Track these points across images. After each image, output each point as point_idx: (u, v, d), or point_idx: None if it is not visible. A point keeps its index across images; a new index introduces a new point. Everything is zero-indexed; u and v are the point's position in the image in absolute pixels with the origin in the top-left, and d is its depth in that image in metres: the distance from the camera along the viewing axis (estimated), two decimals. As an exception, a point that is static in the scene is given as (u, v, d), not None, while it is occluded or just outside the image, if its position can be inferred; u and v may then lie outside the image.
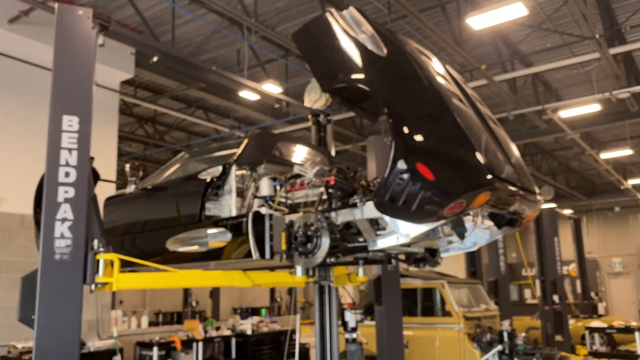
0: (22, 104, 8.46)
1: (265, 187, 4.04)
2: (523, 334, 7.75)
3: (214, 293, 14.56)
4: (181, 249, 4.30)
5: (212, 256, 4.10)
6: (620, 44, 9.89)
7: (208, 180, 4.24)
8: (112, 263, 3.56)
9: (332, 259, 3.75)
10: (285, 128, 13.64)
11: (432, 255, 4.39)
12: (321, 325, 5.16)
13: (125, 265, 3.82)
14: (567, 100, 12.16)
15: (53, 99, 3.48)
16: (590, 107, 11.97)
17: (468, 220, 3.83)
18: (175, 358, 8.66)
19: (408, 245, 3.83)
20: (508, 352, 7.39)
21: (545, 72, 11.33)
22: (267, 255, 3.73)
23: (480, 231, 3.92)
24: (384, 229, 3.65)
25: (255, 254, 3.76)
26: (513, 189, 3.45)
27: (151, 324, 12.42)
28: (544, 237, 11.32)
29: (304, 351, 9.90)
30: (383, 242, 3.60)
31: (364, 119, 12.11)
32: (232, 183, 4.19)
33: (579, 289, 15.41)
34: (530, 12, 8.53)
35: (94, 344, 7.53)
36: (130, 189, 5.10)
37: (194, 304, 14.63)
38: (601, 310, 15.71)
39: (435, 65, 3.87)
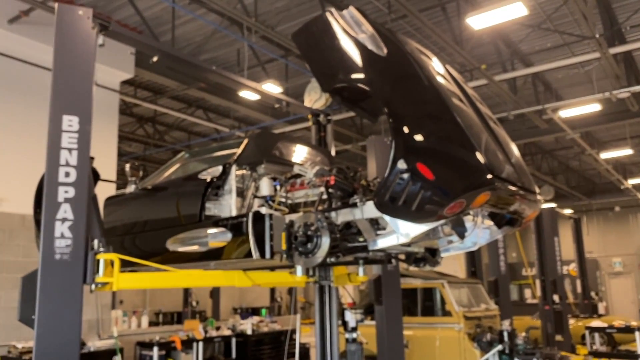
0: (22, 104, 8.46)
1: (266, 187, 4.04)
2: (523, 334, 7.74)
3: (214, 293, 14.57)
4: (181, 249, 4.30)
5: (212, 256, 4.10)
6: (620, 44, 9.89)
7: (208, 180, 4.24)
8: (112, 263, 3.56)
9: (332, 259, 3.75)
10: (285, 128, 13.64)
11: (432, 255, 4.39)
12: (321, 325, 5.15)
13: (126, 265, 3.82)
14: (567, 100, 12.15)
15: (53, 99, 3.47)
16: (590, 107, 11.97)
17: (468, 220, 3.83)
18: (176, 358, 8.66)
19: (408, 245, 3.83)
20: (508, 352, 7.39)
21: (545, 71, 11.33)
22: (267, 255, 3.73)
23: (480, 231, 3.91)
24: (384, 228, 3.65)
25: (255, 254, 3.76)
26: (513, 188, 3.45)
27: (151, 323, 12.40)
28: (544, 236, 11.31)
29: (304, 351, 9.90)
30: (383, 242, 3.60)
31: (364, 118, 12.11)
32: (232, 183, 4.19)
33: (579, 289, 15.40)
34: (530, 12, 8.53)
35: (94, 344, 7.54)
36: (130, 189, 5.10)
37: (194, 303, 14.62)
38: (601, 310, 15.71)
39: (435, 65, 3.87)
